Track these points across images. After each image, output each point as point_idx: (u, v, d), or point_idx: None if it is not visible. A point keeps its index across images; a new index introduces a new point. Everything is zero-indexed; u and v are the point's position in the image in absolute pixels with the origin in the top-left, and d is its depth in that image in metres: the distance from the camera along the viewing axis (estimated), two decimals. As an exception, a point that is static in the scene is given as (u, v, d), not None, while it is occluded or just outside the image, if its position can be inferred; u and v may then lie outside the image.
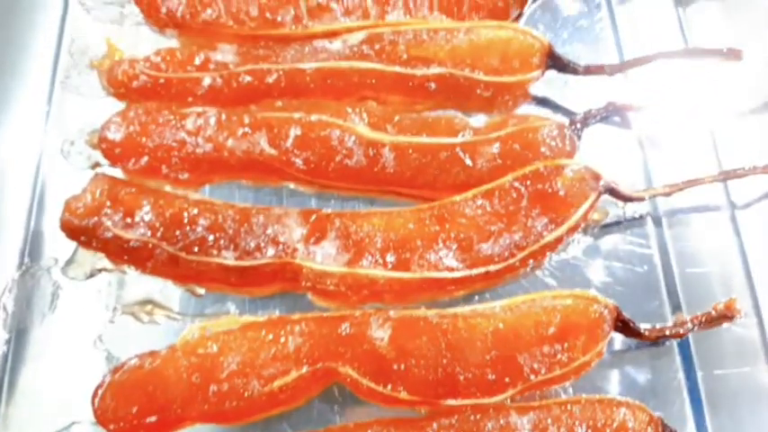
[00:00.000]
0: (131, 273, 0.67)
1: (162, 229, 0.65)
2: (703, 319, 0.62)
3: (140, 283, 0.67)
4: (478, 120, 0.70)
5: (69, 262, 0.68)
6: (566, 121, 0.70)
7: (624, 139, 0.73)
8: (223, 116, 0.69)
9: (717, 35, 0.76)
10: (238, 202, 0.69)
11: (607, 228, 0.68)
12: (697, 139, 0.73)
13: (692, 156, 0.73)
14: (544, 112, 0.73)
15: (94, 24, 0.80)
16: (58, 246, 0.68)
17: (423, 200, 0.68)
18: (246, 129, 0.68)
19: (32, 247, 0.69)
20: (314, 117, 0.68)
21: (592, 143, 0.71)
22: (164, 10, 0.76)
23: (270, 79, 0.72)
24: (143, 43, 0.79)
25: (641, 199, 0.67)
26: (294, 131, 0.68)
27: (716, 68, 0.73)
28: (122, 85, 0.74)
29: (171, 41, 0.79)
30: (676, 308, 0.66)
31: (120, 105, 0.74)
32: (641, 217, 0.69)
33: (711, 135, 0.73)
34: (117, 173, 0.71)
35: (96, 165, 0.72)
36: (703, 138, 0.73)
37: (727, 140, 0.73)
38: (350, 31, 0.75)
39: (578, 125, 0.69)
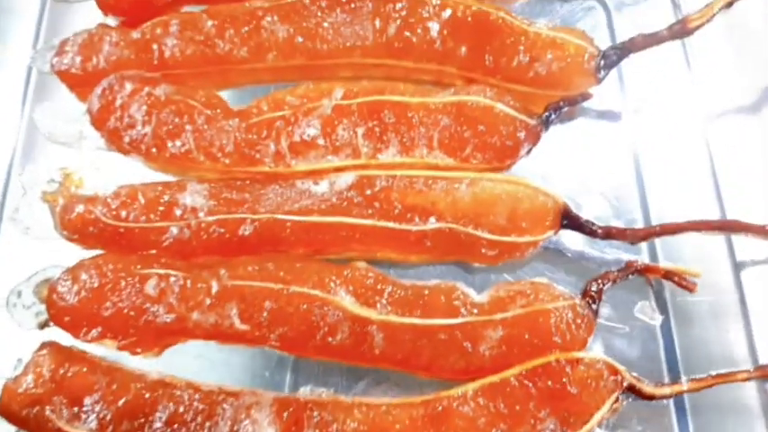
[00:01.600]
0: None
1: (113, 423, 0.56)
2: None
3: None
4: (482, 295, 0.61)
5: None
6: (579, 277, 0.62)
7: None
8: (188, 282, 0.60)
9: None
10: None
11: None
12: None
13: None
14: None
15: (50, 147, 0.71)
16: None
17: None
18: (215, 299, 0.60)
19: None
20: (293, 288, 0.59)
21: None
22: (126, 139, 0.67)
23: (244, 231, 0.63)
24: (105, 167, 0.70)
25: (665, 397, 0.58)
26: (269, 304, 0.59)
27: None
28: (77, 231, 0.65)
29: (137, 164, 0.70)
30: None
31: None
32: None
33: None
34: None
35: (45, 324, 0.63)
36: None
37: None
38: (338, 170, 0.66)
39: (594, 298, 0.60)
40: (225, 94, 0.72)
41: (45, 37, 0.77)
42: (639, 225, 0.67)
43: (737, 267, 0.66)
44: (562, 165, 0.70)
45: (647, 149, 0.71)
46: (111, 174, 0.70)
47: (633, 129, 0.72)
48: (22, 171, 0.70)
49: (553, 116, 0.68)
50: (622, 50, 0.67)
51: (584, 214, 0.67)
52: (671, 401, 0.61)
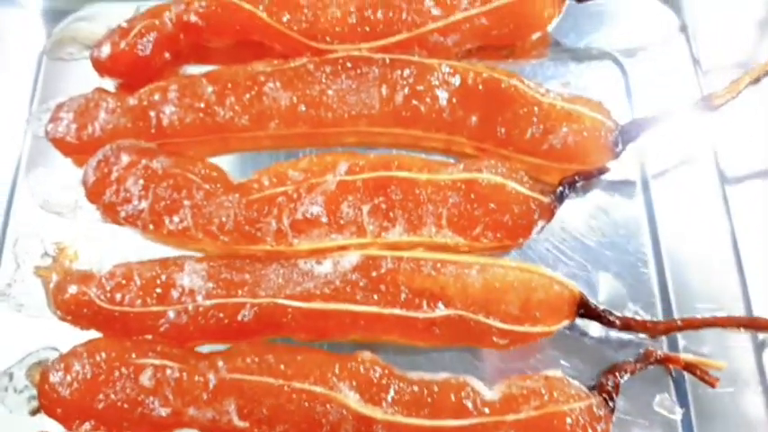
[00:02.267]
0: None
1: None
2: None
3: None
4: (493, 392, 0.58)
5: None
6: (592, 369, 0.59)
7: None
8: (185, 375, 0.58)
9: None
10: None
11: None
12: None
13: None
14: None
15: (45, 217, 0.68)
16: None
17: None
18: (212, 394, 0.57)
19: None
20: (294, 384, 0.57)
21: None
22: (122, 214, 0.64)
23: (244, 317, 0.60)
24: (101, 238, 0.68)
25: None
26: (269, 400, 0.57)
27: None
28: (70, 312, 0.62)
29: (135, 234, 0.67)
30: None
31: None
32: None
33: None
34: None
35: (37, 411, 0.61)
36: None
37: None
38: (342, 249, 0.63)
39: (610, 394, 0.57)
40: (225, 158, 0.70)
41: (41, 96, 0.74)
42: (658, 307, 0.64)
43: (759, 348, 0.63)
44: (575, 239, 0.67)
45: (665, 223, 0.68)
46: (107, 244, 0.67)
47: (649, 201, 0.69)
48: (15, 242, 0.67)
49: (568, 192, 0.64)
50: (642, 126, 0.64)
51: (599, 295, 0.64)
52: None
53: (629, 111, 0.72)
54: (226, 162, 0.70)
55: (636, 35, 0.76)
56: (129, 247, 0.66)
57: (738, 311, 0.64)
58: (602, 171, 0.65)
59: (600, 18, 0.75)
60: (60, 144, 0.68)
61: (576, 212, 0.68)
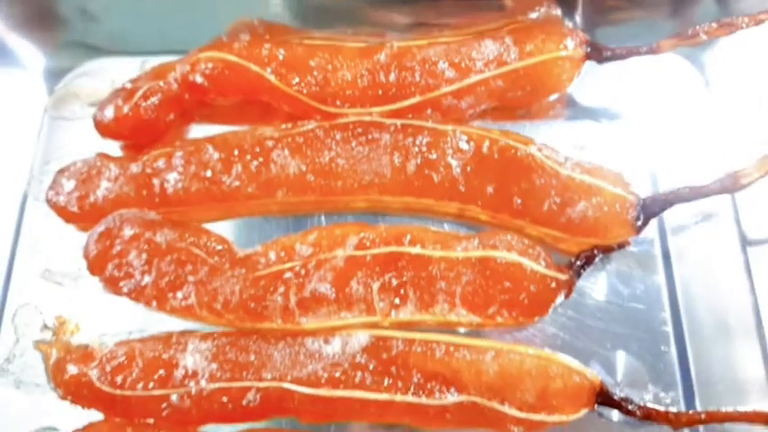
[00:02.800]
0: None
1: None
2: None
3: None
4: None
5: None
6: None
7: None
8: (187, 468, 0.56)
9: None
10: None
11: None
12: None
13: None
14: None
15: (45, 286, 0.67)
16: None
17: None
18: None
19: None
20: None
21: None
22: (125, 289, 0.62)
23: (249, 401, 0.58)
24: (104, 306, 0.65)
25: None
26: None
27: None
28: (70, 392, 0.60)
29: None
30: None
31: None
32: None
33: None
34: None
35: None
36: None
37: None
38: (350, 328, 0.61)
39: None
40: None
41: (42, 156, 0.72)
42: (679, 390, 0.61)
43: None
44: (592, 312, 0.65)
45: (686, 296, 0.65)
46: (109, 314, 0.65)
47: (670, 272, 0.66)
48: (14, 313, 0.66)
49: (586, 267, 0.62)
50: (665, 202, 0.61)
51: (617, 374, 0.62)
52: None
53: (650, 174, 0.69)
54: (231, 225, 0.68)
55: (657, 93, 0.73)
56: (132, 315, 0.65)
57: (762, 389, 0.61)
58: (622, 245, 0.63)
59: (619, 76, 0.72)
60: (62, 211, 0.66)
61: (593, 283, 0.66)
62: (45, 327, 0.65)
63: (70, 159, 0.69)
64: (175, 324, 0.63)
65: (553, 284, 0.60)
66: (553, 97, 0.70)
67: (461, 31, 0.74)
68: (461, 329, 0.62)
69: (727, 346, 0.63)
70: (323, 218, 0.69)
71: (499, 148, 0.64)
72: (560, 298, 0.62)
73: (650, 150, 0.71)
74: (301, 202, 0.66)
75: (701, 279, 0.66)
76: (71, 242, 0.67)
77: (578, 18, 0.75)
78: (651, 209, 0.62)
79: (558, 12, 0.74)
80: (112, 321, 0.65)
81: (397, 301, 0.61)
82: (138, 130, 0.69)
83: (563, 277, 0.61)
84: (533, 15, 0.73)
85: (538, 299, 0.60)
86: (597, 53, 0.67)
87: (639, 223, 0.62)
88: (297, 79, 0.67)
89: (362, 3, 0.75)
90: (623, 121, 0.72)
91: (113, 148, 0.71)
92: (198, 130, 0.73)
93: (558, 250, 0.65)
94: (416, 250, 0.61)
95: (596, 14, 0.75)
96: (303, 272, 0.61)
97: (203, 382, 0.59)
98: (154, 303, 0.62)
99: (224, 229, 0.68)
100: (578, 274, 0.62)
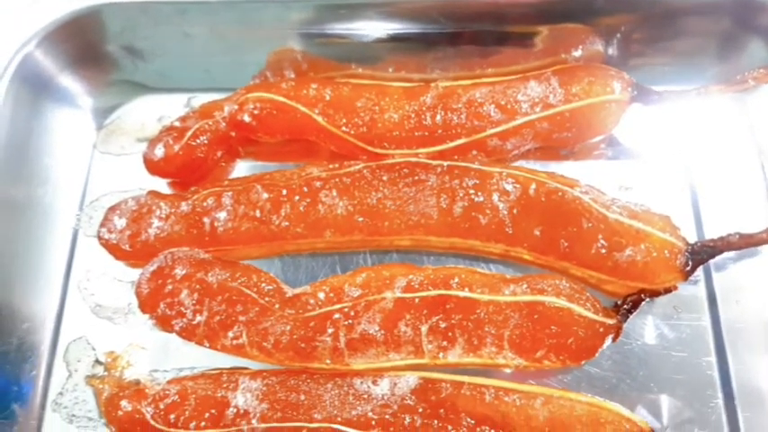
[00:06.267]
0: None
1: None
2: None
3: None
4: None
5: None
6: None
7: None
8: (241, 507, 0.56)
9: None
10: None
11: None
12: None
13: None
14: None
15: (96, 322, 0.68)
16: None
17: None
18: None
19: None
20: None
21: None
22: (177, 328, 0.63)
23: (300, 442, 0.59)
24: (154, 342, 0.66)
25: None
26: None
27: None
28: (124, 429, 0.61)
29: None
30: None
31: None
32: None
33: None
34: None
35: None
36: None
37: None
38: (398, 370, 0.61)
39: None
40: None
41: (91, 192, 0.73)
42: (724, 432, 0.62)
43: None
44: (638, 356, 0.65)
45: (733, 341, 0.65)
46: (160, 350, 0.66)
47: (716, 316, 0.66)
48: (66, 349, 0.67)
49: (633, 311, 0.62)
50: (714, 249, 0.61)
51: (663, 418, 0.62)
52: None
53: (696, 218, 0.69)
54: (277, 262, 0.69)
55: (702, 135, 0.73)
56: (182, 352, 0.66)
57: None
58: (670, 290, 0.63)
59: (665, 117, 0.73)
60: (113, 249, 0.67)
61: (640, 327, 0.66)
62: (97, 362, 0.66)
63: (118, 195, 0.71)
64: (224, 360, 0.64)
65: (601, 329, 0.61)
66: (598, 138, 0.71)
67: (504, 68, 0.74)
68: (507, 370, 0.63)
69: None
70: (368, 256, 0.69)
71: (546, 191, 0.64)
72: (608, 342, 0.62)
73: (694, 191, 0.71)
74: (348, 241, 0.67)
75: (747, 321, 0.66)
76: (121, 278, 0.69)
77: (613, 51, 0.75)
78: (700, 255, 0.62)
79: (600, 47, 0.74)
80: (163, 358, 0.66)
81: (444, 343, 0.61)
82: (187, 167, 0.70)
83: (611, 322, 0.61)
84: (576, 53, 0.74)
85: (585, 343, 0.61)
86: (644, 96, 0.67)
87: (688, 269, 0.62)
88: (344, 120, 0.68)
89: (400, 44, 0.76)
90: (666, 161, 0.72)
91: (160, 183, 0.72)
92: (243, 167, 0.74)
93: (602, 291, 0.66)
94: (465, 293, 0.62)
95: (635, 54, 0.75)
96: (352, 313, 0.62)
97: (255, 422, 0.59)
98: (206, 343, 0.63)
99: (270, 266, 0.69)
100: (625, 319, 0.62)
